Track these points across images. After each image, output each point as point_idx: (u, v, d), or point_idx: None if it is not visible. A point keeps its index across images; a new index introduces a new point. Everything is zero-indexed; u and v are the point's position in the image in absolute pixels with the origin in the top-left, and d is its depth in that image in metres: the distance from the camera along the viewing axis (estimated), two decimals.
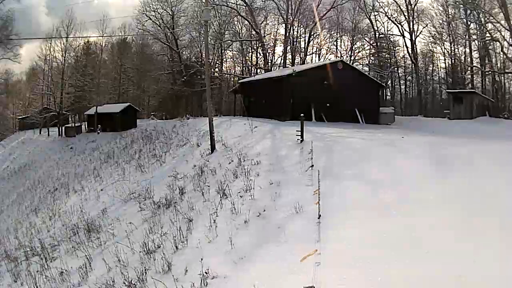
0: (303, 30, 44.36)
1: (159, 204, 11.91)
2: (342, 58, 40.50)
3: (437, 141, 14.56)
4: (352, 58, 44.15)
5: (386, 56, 43.38)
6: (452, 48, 39.84)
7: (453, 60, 40.56)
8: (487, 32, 33.32)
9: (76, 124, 40.29)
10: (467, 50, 38.36)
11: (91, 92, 39.44)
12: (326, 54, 46.21)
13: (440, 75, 44.37)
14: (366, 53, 44.89)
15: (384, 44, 43.48)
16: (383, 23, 43.14)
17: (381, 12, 41.54)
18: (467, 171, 9.33)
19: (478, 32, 35.27)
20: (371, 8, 41.68)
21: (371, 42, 43.84)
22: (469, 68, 38.80)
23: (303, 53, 44.12)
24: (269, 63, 43.98)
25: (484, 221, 6.21)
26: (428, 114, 35.99)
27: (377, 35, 43.29)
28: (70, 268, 9.37)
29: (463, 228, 6.10)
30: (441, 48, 41.02)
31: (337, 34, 46.04)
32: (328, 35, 45.88)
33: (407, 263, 5.18)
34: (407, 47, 40.96)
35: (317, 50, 46.55)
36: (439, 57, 42.80)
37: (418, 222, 6.49)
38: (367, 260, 5.41)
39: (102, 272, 8.58)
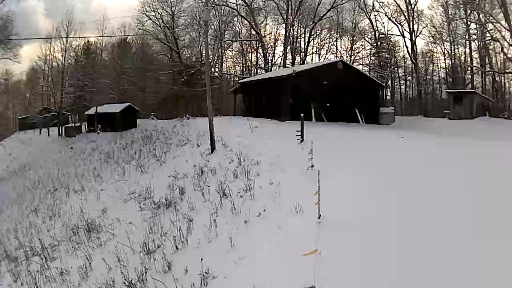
0: (303, 30, 44.35)
1: (159, 204, 11.91)
2: (342, 58, 40.46)
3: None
4: (352, 58, 44.07)
5: (386, 56, 43.32)
6: (452, 48, 39.79)
7: (453, 60, 40.50)
8: (487, 32, 33.29)
9: (76, 124, 40.23)
10: (467, 50, 38.31)
11: (91, 92, 39.41)
12: (326, 54, 46.25)
13: (440, 75, 44.35)
14: (366, 53, 44.86)
15: (384, 44, 43.41)
16: (383, 23, 43.13)
17: (381, 12, 41.51)
18: None
19: (478, 32, 35.21)
20: (371, 8, 41.64)
21: (371, 42, 43.81)
22: (469, 68, 38.74)
23: (303, 53, 44.07)
24: (269, 63, 43.93)
25: None
26: (428, 114, 35.94)
27: (377, 35, 43.24)
28: (70, 268, 9.37)
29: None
30: (441, 48, 41.00)
31: (337, 34, 46.02)
32: (328, 35, 45.89)
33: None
34: (407, 47, 40.92)
35: (317, 50, 46.60)
36: (439, 57, 42.77)
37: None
38: (367, 261, 5.41)
39: (102, 272, 8.59)
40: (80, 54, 43.31)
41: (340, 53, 45.70)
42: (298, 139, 14.23)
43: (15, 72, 57.41)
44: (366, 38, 43.94)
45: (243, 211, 8.92)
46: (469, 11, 35.03)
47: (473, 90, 32.56)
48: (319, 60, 45.50)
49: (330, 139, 15.15)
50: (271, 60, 44.86)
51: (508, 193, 7.39)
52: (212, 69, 43.56)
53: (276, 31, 45.13)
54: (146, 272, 7.77)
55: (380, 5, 40.79)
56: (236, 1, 41.48)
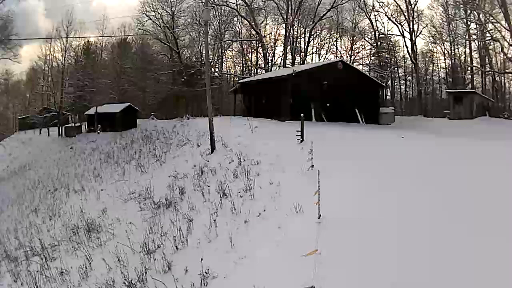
0: (303, 30, 44.36)
1: (159, 204, 11.92)
2: (342, 58, 40.46)
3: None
4: (352, 58, 44.09)
5: (386, 56, 43.33)
6: (452, 48, 39.80)
7: (453, 60, 40.50)
8: (487, 32, 33.28)
9: (76, 124, 40.24)
10: (467, 50, 38.32)
11: (91, 92, 39.42)
12: (326, 54, 46.26)
13: (440, 75, 44.36)
14: (366, 53, 44.88)
15: (384, 44, 43.42)
16: (383, 23, 43.17)
17: (381, 12, 41.53)
18: None
19: (478, 32, 35.21)
20: (371, 8, 41.65)
21: (371, 42, 43.82)
22: (469, 68, 38.75)
23: (303, 53, 44.08)
24: (269, 63, 43.94)
25: None
26: (428, 114, 35.96)
27: (377, 35, 43.25)
28: (70, 268, 9.38)
29: None
30: (441, 48, 41.01)
31: (337, 34, 46.02)
32: (328, 35, 45.89)
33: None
34: (407, 47, 40.92)
35: (317, 50, 46.61)
36: (439, 57, 42.79)
37: None
38: (367, 261, 5.42)
39: (102, 272, 8.59)
40: (80, 54, 43.33)
41: (340, 53, 45.77)
42: (298, 139, 14.23)
43: (15, 72, 57.60)
44: (366, 38, 43.98)
45: (243, 211, 8.92)
46: (469, 11, 35.01)
47: (473, 90, 32.55)
48: (319, 60, 45.55)
49: (330, 139, 15.15)
50: (271, 60, 44.91)
51: (508, 193, 7.39)
52: (212, 69, 43.58)
53: (276, 31, 45.22)
54: (146, 272, 7.77)
55: (380, 5, 40.84)
56: (236, 1, 41.55)
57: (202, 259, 6.91)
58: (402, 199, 7.64)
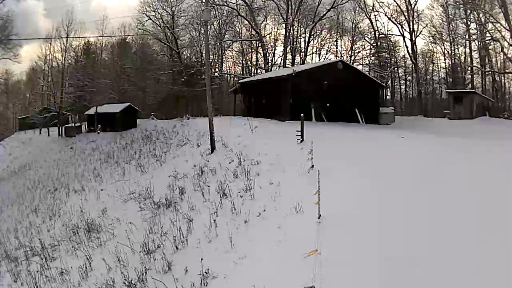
0: (303, 30, 44.36)
1: (159, 204, 11.92)
2: (342, 58, 40.45)
3: None
4: (352, 58, 44.06)
5: (386, 56, 43.31)
6: (452, 48, 39.77)
7: (453, 60, 40.49)
8: (487, 32, 33.26)
9: (76, 124, 40.22)
10: (467, 50, 38.27)
11: (91, 92, 39.41)
12: (326, 54, 46.25)
13: (440, 75, 44.33)
14: (366, 53, 44.85)
15: (384, 44, 43.40)
16: (383, 23, 43.16)
17: (381, 12, 41.50)
18: None
19: (478, 32, 35.19)
20: (371, 8, 41.63)
21: (371, 42, 43.81)
22: (469, 68, 38.74)
23: (303, 53, 44.06)
24: (269, 63, 43.91)
25: None
26: (428, 114, 35.94)
27: (377, 35, 43.24)
28: (70, 268, 9.38)
29: None
30: (441, 48, 41.00)
31: (337, 34, 46.02)
32: (328, 35, 45.88)
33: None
34: (407, 47, 40.87)
35: (317, 50, 46.59)
36: (439, 57, 42.77)
37: None
38: (367, 261, 5.42)
39: (102, 272, 8.60)
40: (80, 54, 43.31)
41: (340, 53, 45.71)
42: (298, 139, 14.24)
43: (15, 72, 57.61)
44: (366, 38, 43.96)
45: (243, 211, 8.92)
46: (469, 11, 34.99)
47: (473, 90, 32.52)
48: (319, 60, 45.53)
49: (330, 139, 15.15)
50: (271, 60, 44.88)
51: (508, 193, 7.39)
52: (212, 69, 43.55)
53: (276, 31, 45.17)
54: (146, 272, 7.77)
55: (380, 5, 40.80)
56: (236, 1, 41.48)
57: (202, 259, 6.91)
58: (402, 199, 7.64)
